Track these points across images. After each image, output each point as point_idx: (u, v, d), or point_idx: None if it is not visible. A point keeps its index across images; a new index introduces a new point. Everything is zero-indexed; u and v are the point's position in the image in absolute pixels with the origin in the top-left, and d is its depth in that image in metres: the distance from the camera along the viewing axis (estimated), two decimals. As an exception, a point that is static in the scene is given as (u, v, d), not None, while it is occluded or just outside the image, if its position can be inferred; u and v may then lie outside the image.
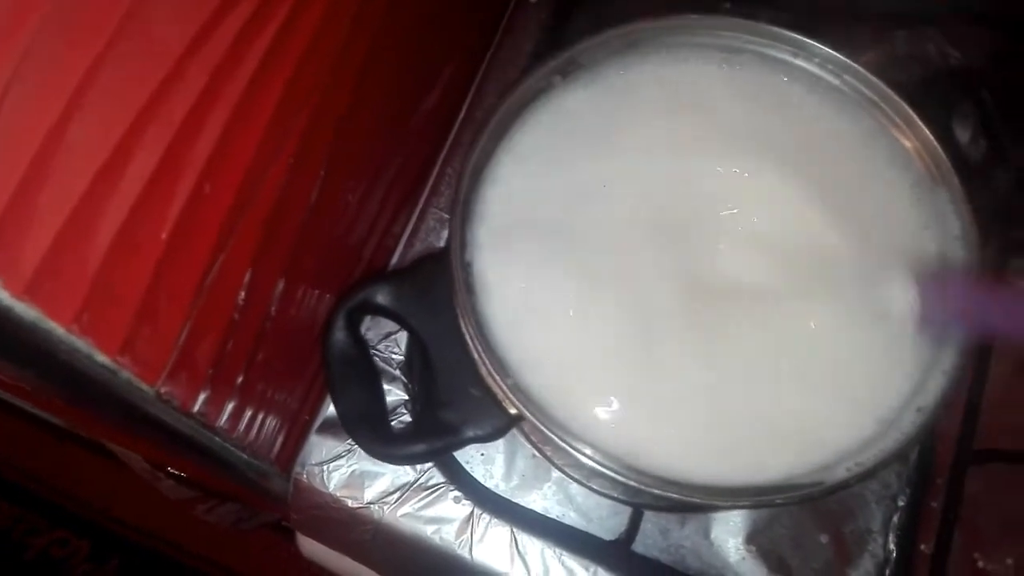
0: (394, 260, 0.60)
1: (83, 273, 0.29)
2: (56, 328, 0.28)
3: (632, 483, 0.40)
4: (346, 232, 0.54)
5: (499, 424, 0.44)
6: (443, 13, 0.57)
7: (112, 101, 0.29)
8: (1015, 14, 0.63)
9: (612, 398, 0.43)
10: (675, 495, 0.40)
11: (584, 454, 0.40)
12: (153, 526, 1.25)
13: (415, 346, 0.56)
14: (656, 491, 0.40)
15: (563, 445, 0.40)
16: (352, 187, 0.51)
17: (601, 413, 0.42)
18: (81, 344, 0.30)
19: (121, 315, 0.32)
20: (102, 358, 0.31)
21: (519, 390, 0.42)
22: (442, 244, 0.59)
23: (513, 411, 0.42)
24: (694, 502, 0.41)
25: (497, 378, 0.41)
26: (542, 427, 0.41)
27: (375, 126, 0.52)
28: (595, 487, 0.54)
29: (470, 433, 0.44)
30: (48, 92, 0.27)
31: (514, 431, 0.55)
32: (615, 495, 0.54)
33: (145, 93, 0.30)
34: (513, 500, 0.56)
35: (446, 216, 0.60)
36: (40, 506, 1.27)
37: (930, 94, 0.48)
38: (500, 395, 0.42)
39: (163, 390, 0.35)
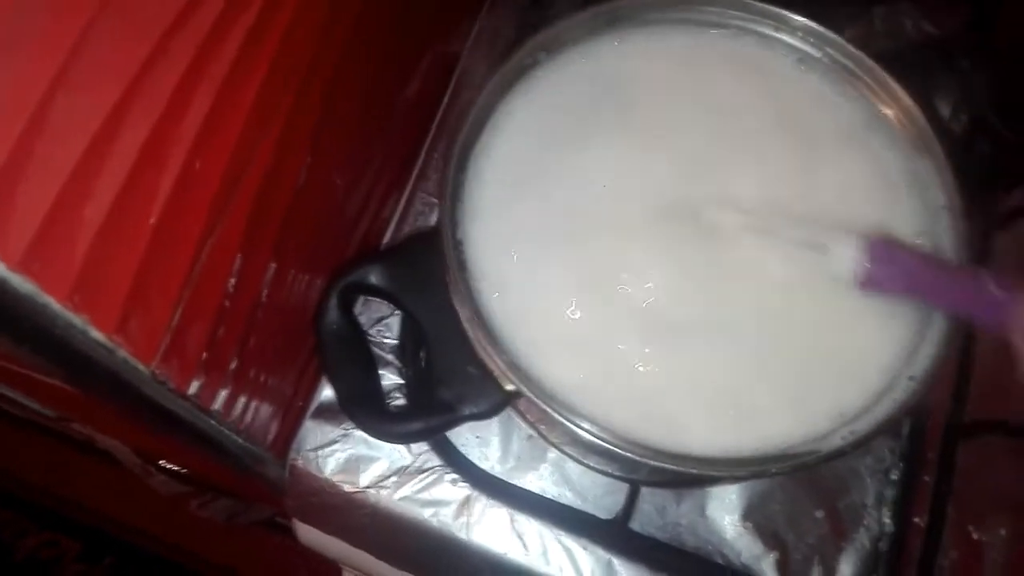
0: (384, 244, 0.60)
1: (76, 250, 0.29)
2: (52, 303, 0.28)
3: (628, 455, 0.40)
4: (335, 216, 0.54)
5: (495, 401, 0.44)
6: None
7: (97, 77, 0.29)
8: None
9: (608, 371, 0.43)
10: (671, 466, 0.40)
11: (581, 428, 0.41)
12: (147, 525, 1.24)
13: (408, 327, 0.56)
14: (652, 463, 0.40)
15: (560, 420, 0.41)
16: (339, 170, 0.51)
17: (597, 386, 0.43)
18: (77, 320, 0.29)
19: (114, 294, 0.32)
20: (97, 335, 0.31)
21: (515, 366, 0.42)
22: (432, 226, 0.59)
23: (510, 387, 0.42)
24: (690, 473, 0.41)
25: (492, 355, 0.41)
26: (539, 402, 0.41)
27: (360, 108, 0.52)
28: (592, 464, 0.54)
29: (466, 411, 0.44)
30: (32, 69, 0.27)
31: (509, 413, 0.55)
32: (612, 471, 0.54)
33: (131, 69, 0.30)
34: (510, 481, 0.56)
35: (434, 200, 0.60)
36: (29, 509, 1.26)
37: (909, 68, 0.48)
38: (496, 372, 0.42)
39: (158, 370, 0.35)
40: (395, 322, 0.57)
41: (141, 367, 0.34)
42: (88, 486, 1.26)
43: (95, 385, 0.34)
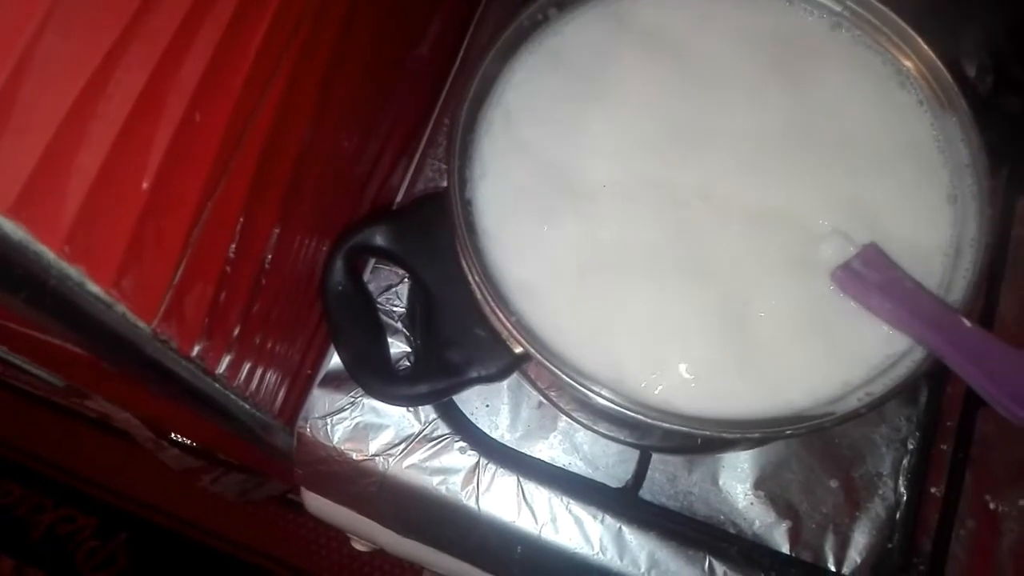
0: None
1: (69, 199, 0.28)
2: (46, 252, 0.27)
3: (640, 418, 0.39)
4: (342, 181, 0.53)
5: (504, 363, 0.43)
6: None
7: (90, 17, 0.28)
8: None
9: (618, 330, 0.42)
10: (682, 428, 0.39)
11: (591, 390, 0.40)
12: (160, 501, 1.25)
13: (416, 290, 0.55)
14: (664, 425, 0.39)
15: (569, 381, 0.40)
16: (346, 132, 0.50)
17: (607, 346, 0.42)
18: (73, 271, 0.29)
19: (111, 248, 0.31)
20: (94, 288, 0.30)
21: (524, 327, 0.41)
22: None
23: (518, 349, 0.42)
24: (703, 435, 0.40)
25: (501, 316, 0.41)
26: (548, 364, 0.40)
27: (368, 67, 0.51)
28: (602, 430, 0.54)
29: (474, 373, 0.43)
30: (20, 6, 0.26)
31: (519, 379, 0.54)
32: (622, 437, 0.53)
33: (127, 9, 0.29)
34: (519, 450, 0.55)
35: (444, 166, 0.59)
36: (45, 485, 1.27)
37: (934, 25, 0.47)
38: (505, 333, 0.42)
39: (159, 329, 0.35)
40: (403, 290, 0.56)
41: (141, 324, 0.34)
42: (103, 463, 1.27)
43: (98, 343, 0.34)
